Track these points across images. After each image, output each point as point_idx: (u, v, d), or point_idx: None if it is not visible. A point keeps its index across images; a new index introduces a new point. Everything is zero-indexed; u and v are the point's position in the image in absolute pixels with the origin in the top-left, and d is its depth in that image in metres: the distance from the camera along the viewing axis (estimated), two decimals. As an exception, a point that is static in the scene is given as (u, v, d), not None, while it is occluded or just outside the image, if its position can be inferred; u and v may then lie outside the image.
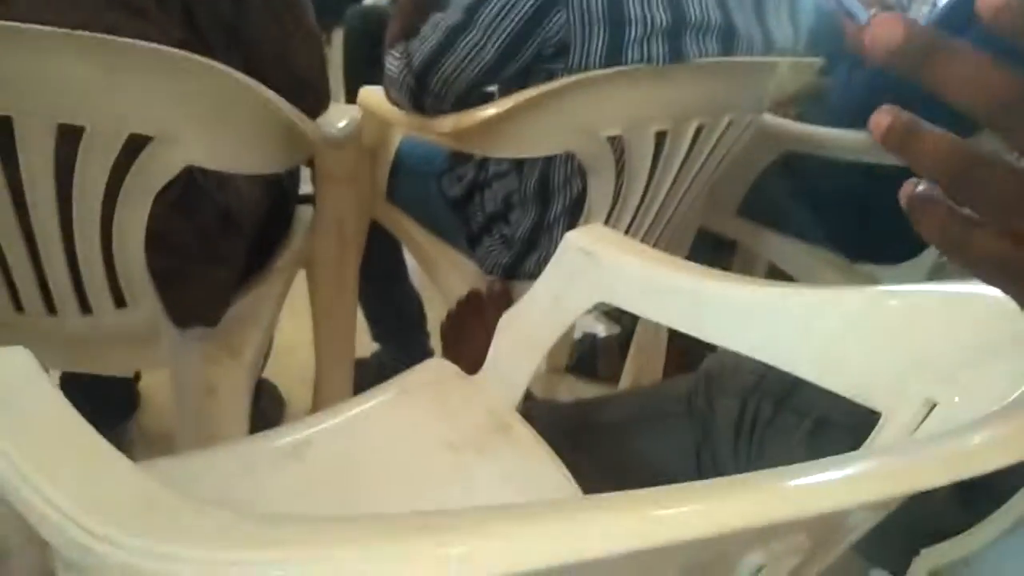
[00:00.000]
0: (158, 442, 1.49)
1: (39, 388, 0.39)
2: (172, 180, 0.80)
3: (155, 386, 1.56)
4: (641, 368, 1.59)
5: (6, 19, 0.65)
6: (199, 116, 0.77)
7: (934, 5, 2.22)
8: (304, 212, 1.28)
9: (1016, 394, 0.45)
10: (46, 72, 0.70)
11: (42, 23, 0.65)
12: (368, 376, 1.26)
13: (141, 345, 0.95)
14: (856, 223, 1.54)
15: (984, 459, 0.37)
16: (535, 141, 1.07)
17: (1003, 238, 0.32)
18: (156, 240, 0.85)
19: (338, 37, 2.62)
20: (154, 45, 0.70)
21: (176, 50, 0.70)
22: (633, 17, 0.94)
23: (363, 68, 2.40)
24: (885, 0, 1.97)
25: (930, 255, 1.52)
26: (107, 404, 1.44)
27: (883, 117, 0.31)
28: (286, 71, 0.87)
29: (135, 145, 0.77)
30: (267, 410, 1.51)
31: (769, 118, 1.38)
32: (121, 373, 1.30)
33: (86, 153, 0.75)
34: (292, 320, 1.36)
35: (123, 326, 0.92)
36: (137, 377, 1.53)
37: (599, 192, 1.11)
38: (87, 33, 0.68)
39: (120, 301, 0.89)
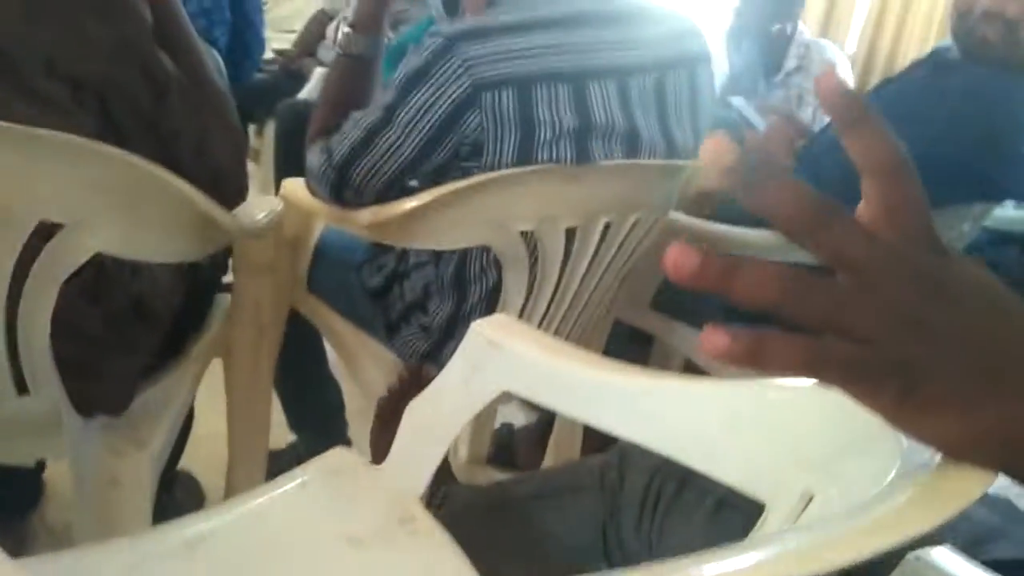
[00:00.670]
0: (62, 534, 1.43)
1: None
2: (81, 266, 0.80)
3: (61, 476, 1.50)
4: (560, 458, 1.60)
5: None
6: (112, 205, 0.78)
7: (815, 109, 2.40)
8: (222, 299, 1.28)
9: (880, 487, 0.48)
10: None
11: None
12: (283, 468, 1.24)
13: (42, 433, 0.93)
14: (767, 317, 1.60)
15: (843, 552, 0.39)
16: (451, 234, 1.10)
17: (841, 342, 0.35)
18: (62, 327, 0.84)
19: (270, 131, 2.66)
20: (69, 136, 0.71)
21: (90, 141, 0.72)
22: (542, 120, 0.99)
23: (294, 161, 2.43)
24: (777, 107, 2.11)
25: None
26: (9, 493, 1.38)
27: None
28: (204, 163, 0.89)
29: (45, 231, 0.77)
30: (183, 502, 1.46)
31: (677, 216, 1.44)
32: (21, 462, 1.26)
33: (-7, 239, 0.75)
34: (213, 408, 1.34)
35: (24, 414, 0.90)
36: (42, 466, 1.48)
37: (513, 284, 1.15)
38: (4, 124, 0.69)
39: (22, 387, 0.87)
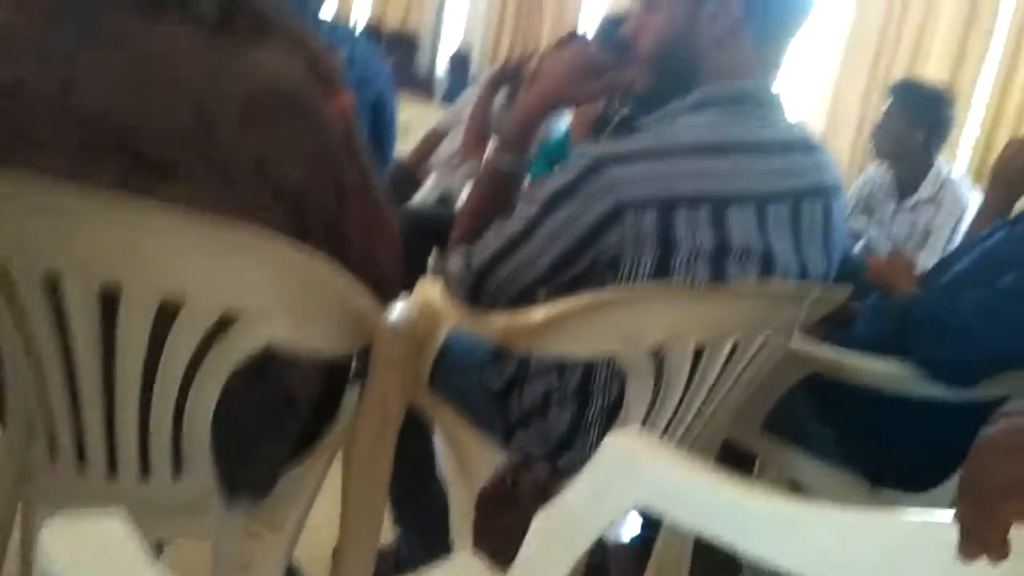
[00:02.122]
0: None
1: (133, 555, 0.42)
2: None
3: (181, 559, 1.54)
4: (662, 581, 1.56)
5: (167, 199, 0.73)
6: (290, 297, 0.84)
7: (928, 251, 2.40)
8: (350, 391, 1.33)
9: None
10: (163, 247, 0.77)
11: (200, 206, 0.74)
12: (386, 567, 1.25)
13: (188, 514, 0.97)
14: (880, 448, 1.56)
15: None
16: (581, 344, 1.13)
17: None
18: (222, 412, 0.89)
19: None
20: (265, 233, 0.78)
21: (282, 238, 0.79)
22: (681, 240, 1.03)
23: (408, 265, 2.53)
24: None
25: (954, 484, 1.52)
26: None
27: None
28: (369, 268, 0.95)
29: (223, 321, 0.83)
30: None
31: (798, 339, 1.44)
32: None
33: (181, 325, 0.82)
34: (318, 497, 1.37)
35: (175, 495, 0.95)
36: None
37: (637, 397, 1.16)
38: (207, 216, 0.76)
39: (177, 469, 0.92)
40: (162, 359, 0.84)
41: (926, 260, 2.39)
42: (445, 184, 3.03)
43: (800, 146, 1.13)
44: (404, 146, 4.18)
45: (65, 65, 0.73)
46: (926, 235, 2.49)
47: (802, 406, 1.59)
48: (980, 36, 3.10)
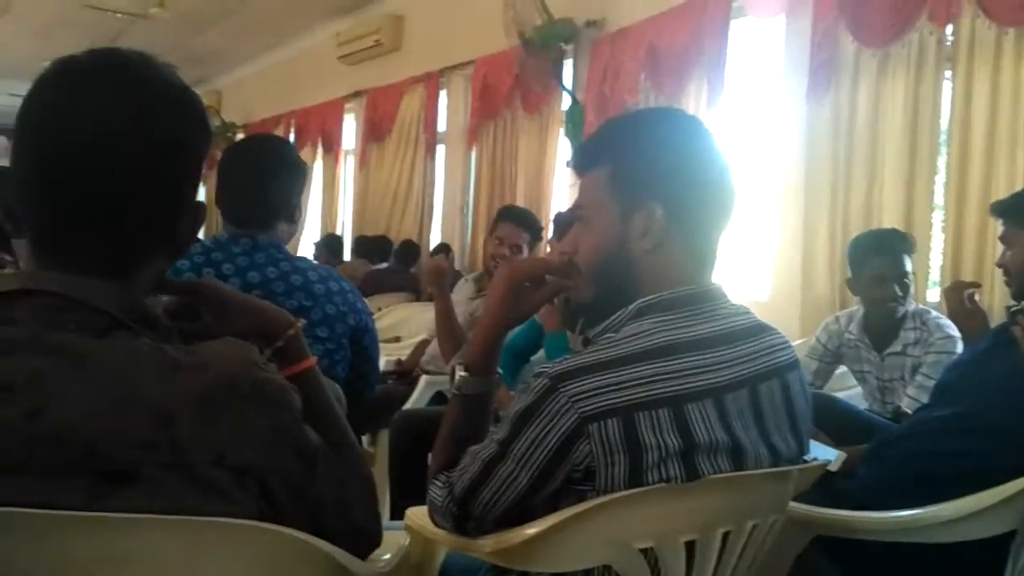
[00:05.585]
0: None
1: None
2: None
3: None
4: None
5: (121, 511, 0.77)
6: (267, 574, 0.85)
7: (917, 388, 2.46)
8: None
9: None
10: (134, 553, 0.80)
11: (148, 511, 0.77)
12: None
13: None
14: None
15: None
16: (573, 556, 1.13)
17: None
18: None
19: (384, 441, 2.80)
20: (231, 520, 0.81)
21: (252, 522, 0.81)
22: (648, 444, 1.05)
23: (409, 471, 2.55)
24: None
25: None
26: None
27: None
28: (346, 520, 0.97)
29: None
30: None
31: (798, 507, 1.44)
32: None
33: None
34: None
35: None
36: None
37: (641, 601, 1.15)
38: (172, 516, 0.79)
39: None
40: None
41: (918, 395, 2.40)
42: (436, 385, 3.09)
43: (746, 334, 1.18)
44: (404, 343, 4.31)
45: (29, 394, 0.78)
46: (913, 372, 2.51)
47: (817, 574, 1.56)
48: (925, 175, 3.27)
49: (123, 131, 0.85)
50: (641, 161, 1.18)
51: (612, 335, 1.13)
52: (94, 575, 0.80)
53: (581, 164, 1.26)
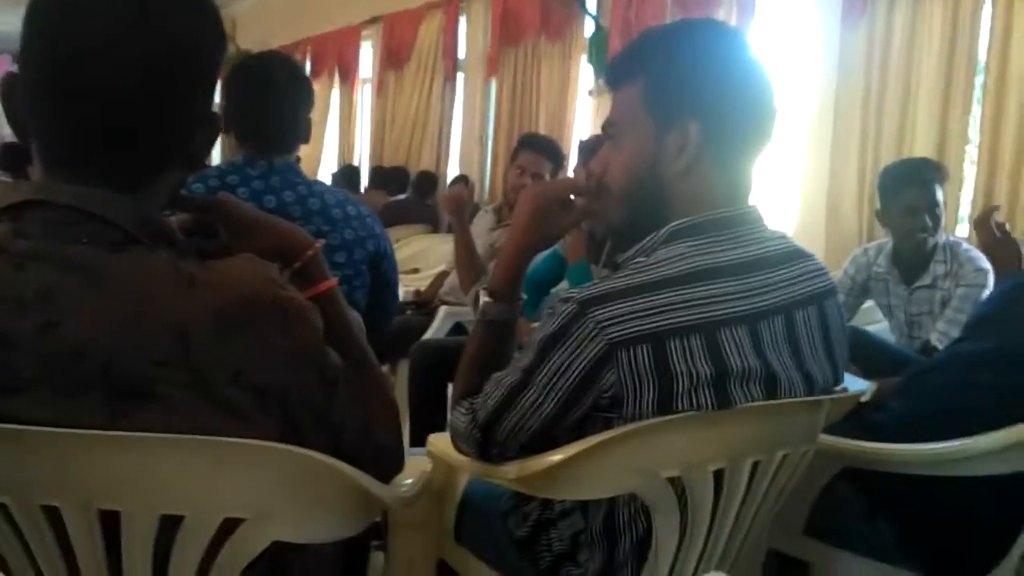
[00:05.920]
0: None
1: None
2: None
3: None
4: None
5: (137, 429, 0.75)
6: (290, 497, 0.84)
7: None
8: (375, 558, 1.31)
9: None
10: (155, 472, 0.78)
11: (164, 430, 0.75)
12: None
13: None
14: (927, 536, 1.51)
15: None
16: (597, 484, 1.11)
17: None
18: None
19: (403, 371, 2.80)
20: (251, 441, 0.79)
21: (273, 444, 0.79)
22: (679, 372, 1.02)
23: (428, 402, 2.54)
24: None
25: (1010, 563, 1.46)
26: None
27: None
28: (368, 444, 0.95)
29: (227, 526, 0.83)
30: None
31: (827, 438, 1.41)
32: None
33: (184, 538, 0.82)
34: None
35: None
36: None
37: (665, 530, 1.13)
38: (193, 436, 0.77)
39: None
40: (170, 571, 0.83)
41: (948, 330, 2.35)
42: (455, 315, 3.07)
43: (783, 259, 1.13)
44: (423, 274, 4.30)
45: (42, 309, 0.76)
46: (943, 305, 2.46)
47: (842, 504, 1.54)
48: (959, 107, 3.16)
49: (135, 30, 0.80)
50: (678, 74, 1.11)
51: (643, 259, 1.08)
52: (112, 502, 0.79)
53: (614, 78, 1.19)
